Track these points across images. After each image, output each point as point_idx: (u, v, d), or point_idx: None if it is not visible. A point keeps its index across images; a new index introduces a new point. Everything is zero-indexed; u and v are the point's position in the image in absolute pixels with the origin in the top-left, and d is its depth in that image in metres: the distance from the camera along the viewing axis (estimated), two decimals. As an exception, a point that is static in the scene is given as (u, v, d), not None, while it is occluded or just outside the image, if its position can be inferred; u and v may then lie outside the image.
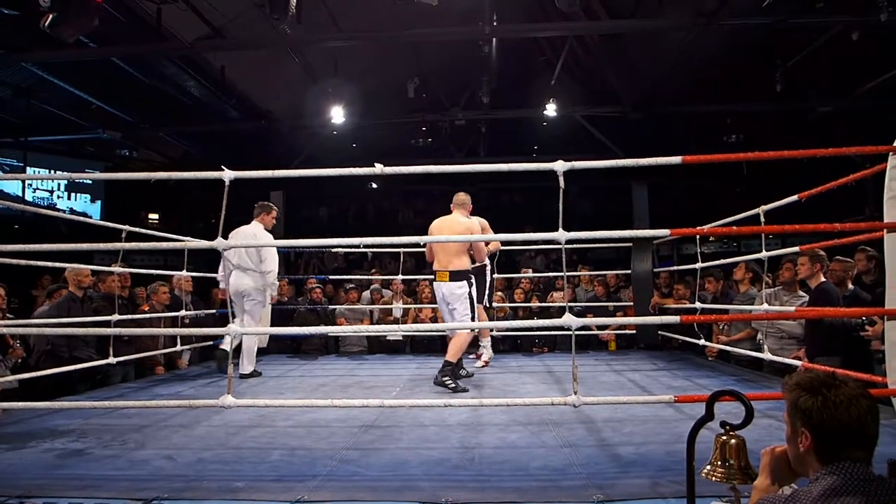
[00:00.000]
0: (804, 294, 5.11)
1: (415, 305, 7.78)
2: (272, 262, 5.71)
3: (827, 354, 4.53)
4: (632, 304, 7.53)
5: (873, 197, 11.09)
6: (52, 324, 4.76)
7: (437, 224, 5.38)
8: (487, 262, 6.17)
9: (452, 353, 4.95)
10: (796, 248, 4.75)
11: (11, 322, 4.97)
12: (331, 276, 8.91)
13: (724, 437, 1.90)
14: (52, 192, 13.51)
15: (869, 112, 9.59)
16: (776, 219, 4.61)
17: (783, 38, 8.33)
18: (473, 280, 5.23)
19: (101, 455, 3.13)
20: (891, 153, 3.29)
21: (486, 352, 6.35)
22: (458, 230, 5.22)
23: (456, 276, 5.14)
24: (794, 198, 4.26)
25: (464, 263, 5.17)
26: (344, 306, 7.84)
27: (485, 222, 6.05)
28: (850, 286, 4.86)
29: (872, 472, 1.49)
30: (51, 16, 5.63)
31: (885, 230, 3.33)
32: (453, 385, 4.75)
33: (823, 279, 4.75)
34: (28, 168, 12.25)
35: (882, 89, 9.08)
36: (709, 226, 5.49)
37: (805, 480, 1.63)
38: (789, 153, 3.35)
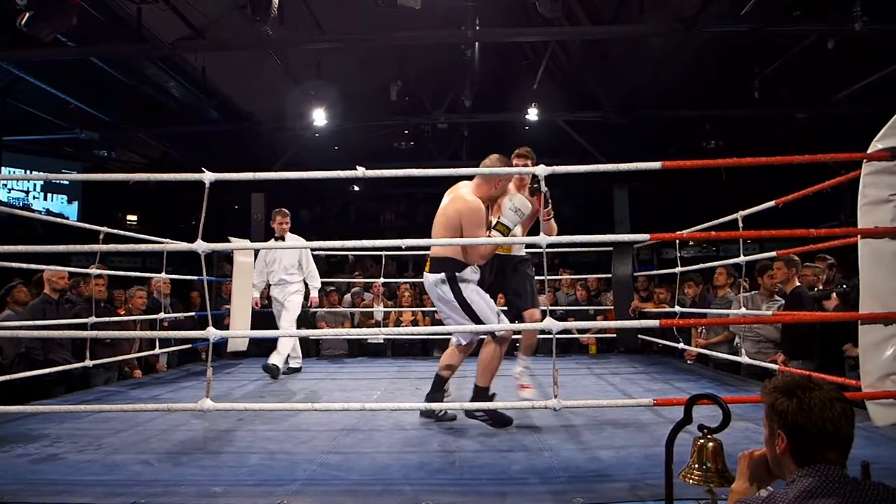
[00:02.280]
0: (780, 298, 5.19)
1: (395, 309, 7.77)
2: None
3: (802, 358, 4.62)
4: (612, 307, 7.58)
5: (849, 203, 11.29)
6: (27, 326, 4.69)
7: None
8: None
9: (481, 375, 3.80)
10: (773, 253, 4.83)
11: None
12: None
13: (702, 441, 1.91)
14: (27, 192, 13.29)
15: (845, 119, 9.76)
16: (754, 223, 4.67)
17: (761, 46, 8.46)
18: (469, 275, 3.76)
19: (76, 460, 3.08)
20: (865, 160, 3.35)
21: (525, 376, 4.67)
22: (449, 209, 3.79)
23: (436, 263, 3.78)
24: (772, 203, 4.33)
25: (448, 250, 3.75)
26: (324, 309, 7.80)
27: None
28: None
29: (847, 475, 1.52)
30: (27, 14, 5.55)
31: (859, 236, 3.39)
32: (486, 418, 3.68)
33: (798, 283, 4.84)
34: (3, 168, 12.04)
35: (857, 96, 9.26)
36: (688, 230, 5.55)
37: (781, 484, 1.65)
38: (766, 160, 3.41)
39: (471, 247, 3.70)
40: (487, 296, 3.85)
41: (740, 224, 4.67)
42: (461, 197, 3.77)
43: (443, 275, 3.71)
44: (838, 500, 1.44)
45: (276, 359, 5.77)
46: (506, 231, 3.75)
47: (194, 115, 10.75)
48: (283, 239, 6.10)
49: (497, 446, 3.31)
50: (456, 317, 3.76)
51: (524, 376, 4.59)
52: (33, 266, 4.92)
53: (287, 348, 5.96)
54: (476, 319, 3.70)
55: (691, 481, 1.89)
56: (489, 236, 3.76)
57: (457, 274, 3.71)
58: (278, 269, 6.17)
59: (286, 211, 6.19)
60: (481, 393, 3.78)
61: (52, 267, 5.40)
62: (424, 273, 3.91)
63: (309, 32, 8.17)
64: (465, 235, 3.68)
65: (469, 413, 3.71)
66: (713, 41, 7.91)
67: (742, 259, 4.95)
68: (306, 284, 6.31)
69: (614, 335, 7.61)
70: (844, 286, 4.53)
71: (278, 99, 10.44)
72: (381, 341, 7.77)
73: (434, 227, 3.87)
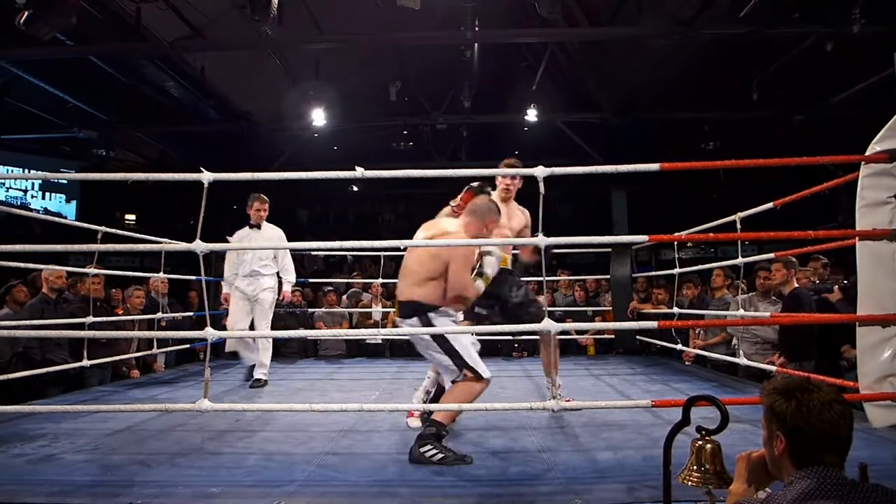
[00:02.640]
0: (778, 300, 5.20)
1: (394, 309, 7.76)
2: None
3: (800, 359, 4.62)
4: (610, 308, 7.58)
5: (847, 205, 11.27)
6: (25, 326, 4.67)
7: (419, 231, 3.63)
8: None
9: (443, 413, 3.26)
10: (772, 255, 4.83)
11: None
12: (310, 280, 8.86)
13: (700, 442, 1.92)
14: (25, 191, 13.26)
15: (843, 121, 9.78)
16: (752, 225, 4.67)
17: (760, 48, 8.47)
18: (441, 315, 3.38)
19: (73, 460, 3.08)
20: (863, 162, 3.36)
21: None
22: (436, 248, 3.36)
23: (406, 308, 3.41)
24: (770, 205, 4.33)
25: (420, 292, 3.36)
26: (322, 309, 7.79)
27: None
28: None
29: (845, 476, 1.52)
30: (26, 13, 5.55)
31: (857, 238, 3.39)
32: (441, 455, 3.00)
33: (797, 284, 4.84)
34: (1, 167, 12.01)
35: (856, 99, 9.27)
36: (686, 232, 5.53)
37: (779, 485, 1.65)
38: (765, 161, 3.41)
39: (453, 294, 3.32)
40: (466, 336, 3.41)
41: (738, 225, 4.66)
42: (453, 236, 3.38)
43: (416, 318, 3.35)
44: (836, 501, 1.44)
45: (260, 373, 5.50)
46: (488, 282, 3.62)
47: (193, 115, 10.74)
48: (258, 227, 5.67)
49: (495, 448, 3.30)
50: (438, 358, 3.35)
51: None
52: (31, 265, 4.91)
53: (268, 357, 5.62)
54: (456, 356, 3.26)
55: (690, 483, 1.90)
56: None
57: (430, 315, 3.34)
58: (251, 258, 5.63)
59: (265, 197, 5.74)
60: (437, 429, 3.14)
61: (50, 266, 5.39)
62: (395, 318, 3.55)
63: (308, 32, 8.17)
64: (451, 279, 3.29)
65: (415, 458, 3.03)
66: (712, 43, 7.92)
67: (740, 260, 4.94)
68: (279, 278, 5.86)
69: (613, 336, 7.62)
70: (845, 282, 4.54)
71: (277, 99, 10.43)
72: (380, 342, 7.76)
73: (409, 265, 3.43)
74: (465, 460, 3.02)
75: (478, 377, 3.26)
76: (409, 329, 3.42)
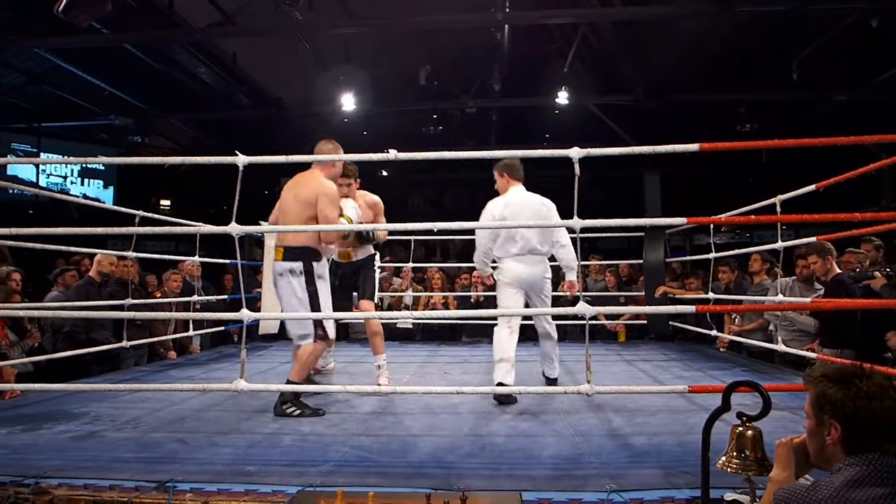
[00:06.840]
0: (819, 287, 5.06)
1: (425, 293, 7.79)
2: None
3: (840, 347, 4.51)
4: (643, 294, 7.47)
5: (889, 188, 10.91)
6: (69, 307, 4.81)
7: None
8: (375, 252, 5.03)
9: (295, 370, 3.77)
10: (813, 239, 4.69)
11: (28, 305, 5.03)
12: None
13: (741, 428, 1.89)
14: (65, 177, 13.57)
15: (886, 102, 9.43)
16: (789, 210, 4.54)
17: (799, 26, 8.19)
18: (317, 266, 3.81)
19: (115, 437, 3.16)
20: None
21: (384, 371, 4.69)
22: (304, 193, 3.82)
23: (292, 252, 3.76)
24: (812, 187, 4.19)
25: (304, 237, 3.77)
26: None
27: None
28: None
29: (896, 464, 1.47)
30: (64, 1, 5.66)
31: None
32: (298, 411, 3.62)
33: (838, 271, 4.71)
34: (41, 154, 12.32)
35: (901, 79, 8.93)
36: (725, 215, 5.40)
37: (819, 472, 1.61)
38: (809, 141, 3.29)
39: (322, 222, 3.72)
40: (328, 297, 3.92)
41: (778, 209, 4.54)
42: (316, 178, 3.88)
43: (299, 263, 3.73)
44: (888, 489, 1.40)
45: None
46: (349, 220, 4.05)
47: (225, 101, 10.84)
48: None
49: (527, 431, 3.30)
50: (301, 309, 3.73)
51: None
52: (72, 249, 5.03)
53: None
54: (312, 306, 3.74)
55: (730, 469, 1.87)
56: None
57: (314, 264, 3.78)
58: None
59: None
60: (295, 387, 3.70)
61: (100, 251, 5.56)
62: (273, 262, 3.86)
63: (337, 17, 8.16)
64: (320, 213, 3.73)
65: (278, 412, 3.61)
66: (749, 21, 7.69)
67: (780, 244, 4.81)
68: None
69: (644, 322, 7.51)
70: (888, 270, 4.39)
71: (307, 84, 10.45)
72: (410, 326, 7.78)
73: (287, 212, 3.86)
74: (318, 413, 3.64)
75: (325, 336, 3.78)
76: (442, 314, 3.61)
